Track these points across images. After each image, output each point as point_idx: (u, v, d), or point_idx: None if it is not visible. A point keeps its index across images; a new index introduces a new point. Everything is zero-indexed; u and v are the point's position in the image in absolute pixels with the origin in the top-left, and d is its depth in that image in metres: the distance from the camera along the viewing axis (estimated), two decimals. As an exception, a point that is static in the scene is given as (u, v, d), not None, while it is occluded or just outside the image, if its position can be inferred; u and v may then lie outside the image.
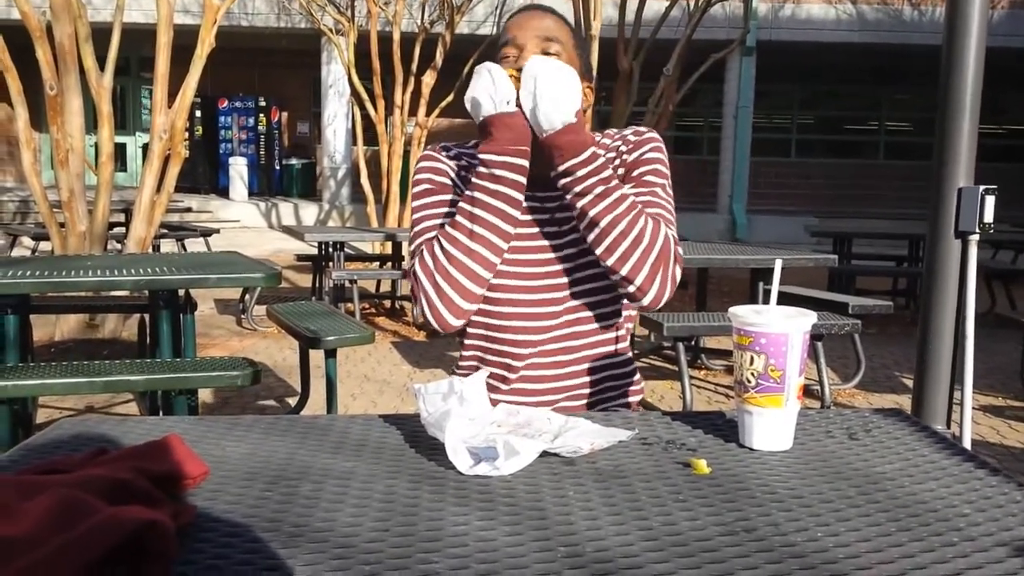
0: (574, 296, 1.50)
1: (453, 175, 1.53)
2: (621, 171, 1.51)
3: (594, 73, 1.55)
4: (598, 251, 1.43)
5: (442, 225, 1.46)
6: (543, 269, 1.50)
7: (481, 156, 1.43)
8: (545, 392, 1.51)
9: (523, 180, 1.43)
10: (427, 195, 1.51)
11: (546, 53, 1.45)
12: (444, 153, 1.56)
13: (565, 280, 1.50)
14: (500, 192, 1.42)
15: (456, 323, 1.45)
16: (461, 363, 1.58)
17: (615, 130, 1.58)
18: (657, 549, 0.85)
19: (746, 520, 0.93)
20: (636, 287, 1.43)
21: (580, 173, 1.40)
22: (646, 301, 1.44)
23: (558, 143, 1.40)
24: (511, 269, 1.49)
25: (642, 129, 1.56)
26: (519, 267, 1.49)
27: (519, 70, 1.41)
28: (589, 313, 1.50)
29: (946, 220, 2.94)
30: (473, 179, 1.44)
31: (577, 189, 1.41)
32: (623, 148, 1.53)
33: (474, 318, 1.51)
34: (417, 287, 1.44)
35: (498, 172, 1.41)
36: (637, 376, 1.61)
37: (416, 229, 1.50)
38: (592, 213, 1.41)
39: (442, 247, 1.43)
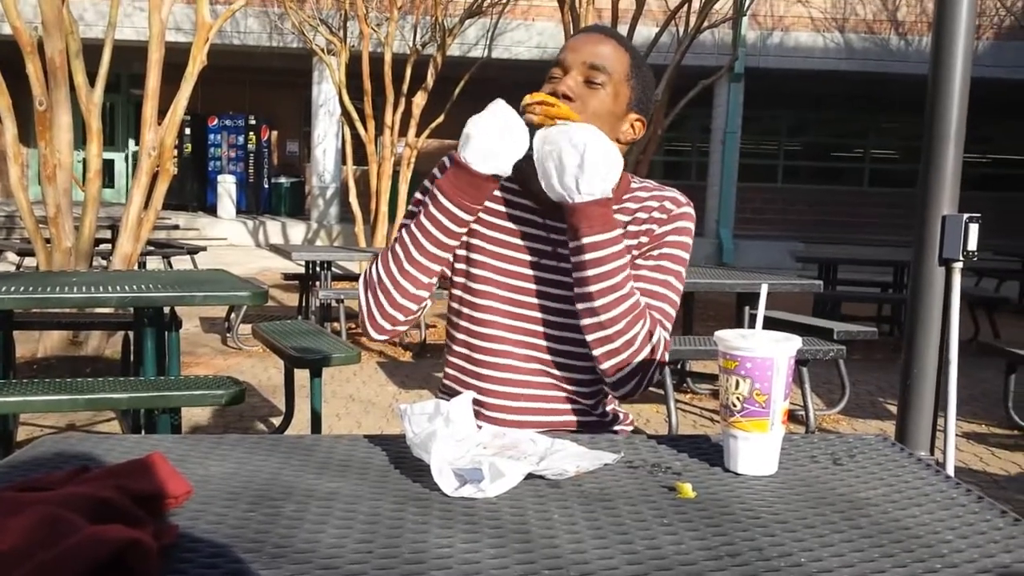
0: (562, 328, 1.46)
1: None
2: (645, 239, 1.45)
3: (652, 106, 1.49)
4: (587, 334, 1.39)
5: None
6: (533, 300, 1.47)
7: (440, 188, 1.41)
8: (527, 421, 1.47)
9: (463, 230, 1.43)
10: (410, 215, 1.49)
11: (589, 82, 1.41)
12: None
13: (555, 318, 1.46)
14: (441, 226, 1.41)
15: (383, 332, 1.47)
16: (444, 381, 1.57)
17: (653, 184, 1.52)
18: (642, 573, 0.85)
19: (730, 544, 0.93)
20: (611, 382, 1.43)
21: (602, 253, 1.36)
22: (615, 394, 1.46)
23: (590, 213, 1.34)
24: (499, 292, 1.47)
25: (682, 199, 1.49)
26: (509, 291, 1.47)
27: (553, 117, 1.35)
28: (578, 349, 1.46)
29: (930, 247, 2.96)
30: (424, 205, 1.43)
31: (592, 268, 1.36)
32: (657, 215, 1.46)
33: (457, 336, 1.51)
34: (360, 294, 1.48)
35: (443, 216, 1.41)
36: (623, 414, 1.60)
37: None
38: (596, 297, 1.36)
39: (381, 261, 1.46)
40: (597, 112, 1.41)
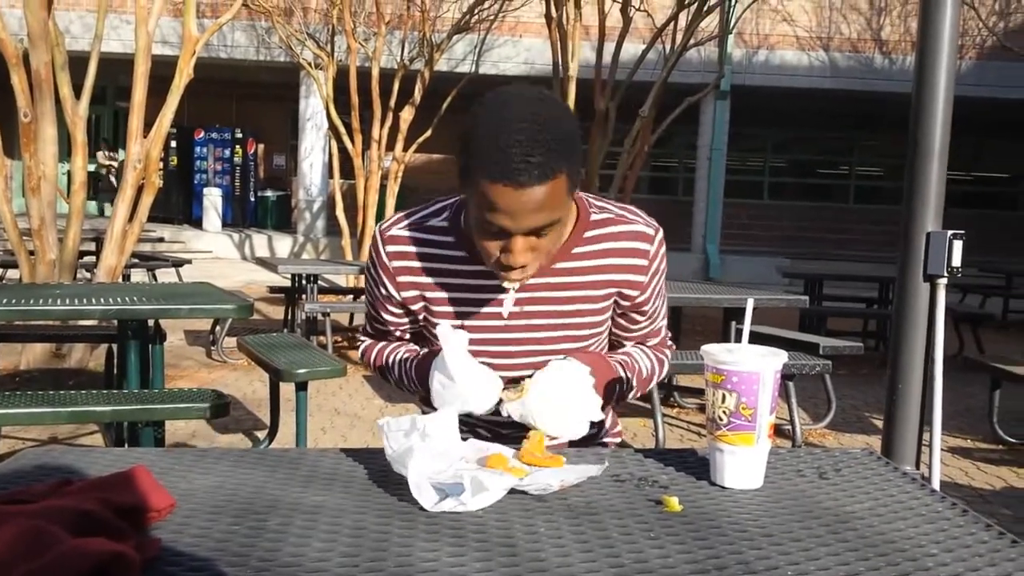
0: (548, 354, 1.41)
1: (402, 274, 1.41)
2: (631, 291, 1.42)
3: (581, 176, 1.29)
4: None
5: (382, 326, 1.51)
6: (512, 346, 1.41)
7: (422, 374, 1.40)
8: (517, 435, 1.46)
9: None
10: (371, 296, 1.48)
11: (539, 235, 1.26)
12: (393, 246, 1.40)
13: (541, 348, 1.42)
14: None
15: None
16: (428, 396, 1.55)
17: (613, 210, 1.42)
18: (628, 586, 0.85)
19: (717, 557, 0.93)
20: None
21: (621, 396, 1.47)
22: None
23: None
24: (477, 336, 1.37)
25: (650, 231, 1.42)
26: (483, 345, 1.38)
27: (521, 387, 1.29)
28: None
29: (915, 263, 2.98)
30: (410, 367, 1.45)
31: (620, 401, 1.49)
32: (636, 263, 1.41)
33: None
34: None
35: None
36: (612, 418, 1.60)
37: (366, 313, 1.55)
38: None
39: (375, 367, 1.53)
40: (555, 242, 1.31)
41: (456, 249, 1.39)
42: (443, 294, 1.41)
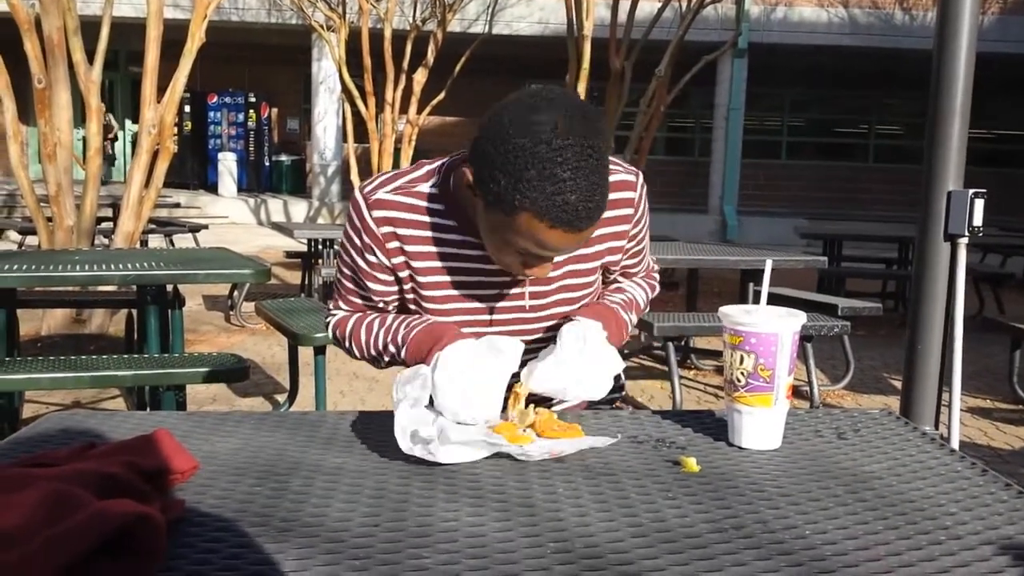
0: (545, 319, 1.39)
1: (391, 240, 1.32)
2: (619, 242, 1.40)
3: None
4: None
5: (365, 298, 1.39)
6: (503, 314, 1.37)
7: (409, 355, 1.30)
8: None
9: None
10: (353, 266, 1.37)
11: None
12: (380, 211, 1.31)
13: (540, 314, 1.39)
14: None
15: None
16: None
17: (614, 162, 1.36)
18: (646, 545, 0.86)
19: (735, 517, 0.93)
20: None
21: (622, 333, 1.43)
22: None
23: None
24: (464, 305, 1.36)
25: (631, 178, 1.37)
26: (473, 315, 1.36)
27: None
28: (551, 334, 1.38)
29: (935, 223, 2.95)
30: (396, 338, 1.33)
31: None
32: (622, 213, 1.37)
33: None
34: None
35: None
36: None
37: (337, 285, 1.44)
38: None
39: (349, 345, 1.41)
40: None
41: (447, 218, 1.32)
42: (432, 263, 1.33)
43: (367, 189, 1.33)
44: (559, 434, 1.16)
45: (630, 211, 1.38)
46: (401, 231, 1.32)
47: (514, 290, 1.36)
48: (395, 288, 1.37)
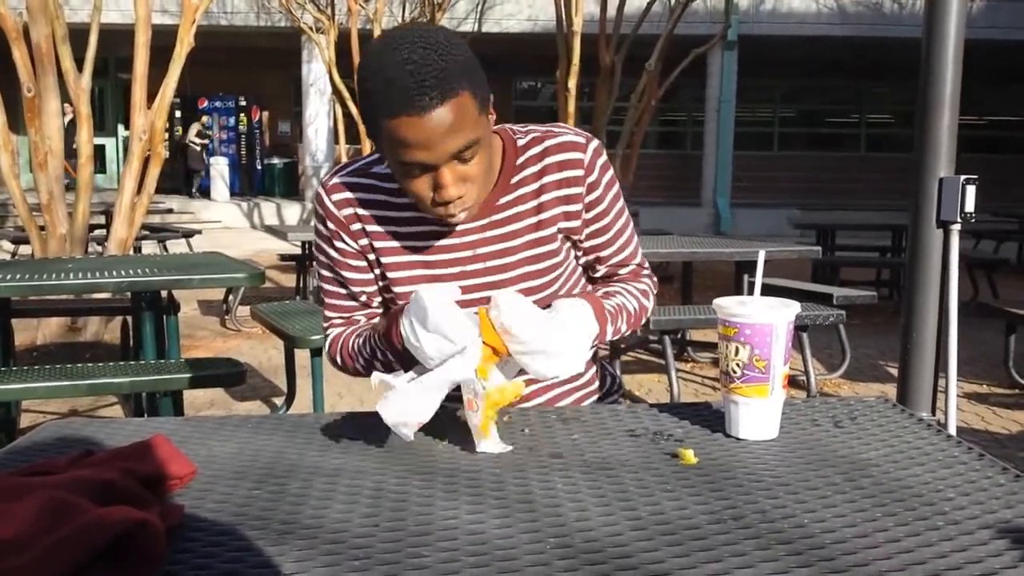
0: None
1: (353, 222, 1.34)
2: (575, 206, 1.35)
3: (491, 97, 1.23)
4: None
5: (349, 295, 1.39)
6: (465, 282, 1.35)
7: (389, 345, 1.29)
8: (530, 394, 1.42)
9: None
10: (328, 262, 1.39)
11: (463, 161, 1.20)
12: (339, 194, 1.34)
13: (487, 295, 1.32)
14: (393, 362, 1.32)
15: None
16: None
17: (538, 131, 1.36)
18: (646, 538, 0.86)
19: (734, 508, 0.93)
20: None
21: (615, 331, 1.38)
22: None
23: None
24: (443, 271, 1.36)
25: (580, 139, 1.35)
26: (437, 282, 1.35)
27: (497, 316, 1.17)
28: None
29: (928, 210, 2.95)
30: (374, 342, 1.32)
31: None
32: (572, 175, 1.33)
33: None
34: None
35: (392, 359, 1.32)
36: (592, 373, 1.53)
37: (322, 293, 1.43)
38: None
39: (343, 362, 1.40)
40: (484, 169, 1.25)
41: (401, 196, 1.33)
42: (392, 243, 1.35)
43: (325, 179, 1.38)
44: (501, 402, 1.15)
45: (579, 172, 1.34)
46: (361, 211, 1.35)
47: (474, 266, 1.35)
48: (371, 276, 1.39)
